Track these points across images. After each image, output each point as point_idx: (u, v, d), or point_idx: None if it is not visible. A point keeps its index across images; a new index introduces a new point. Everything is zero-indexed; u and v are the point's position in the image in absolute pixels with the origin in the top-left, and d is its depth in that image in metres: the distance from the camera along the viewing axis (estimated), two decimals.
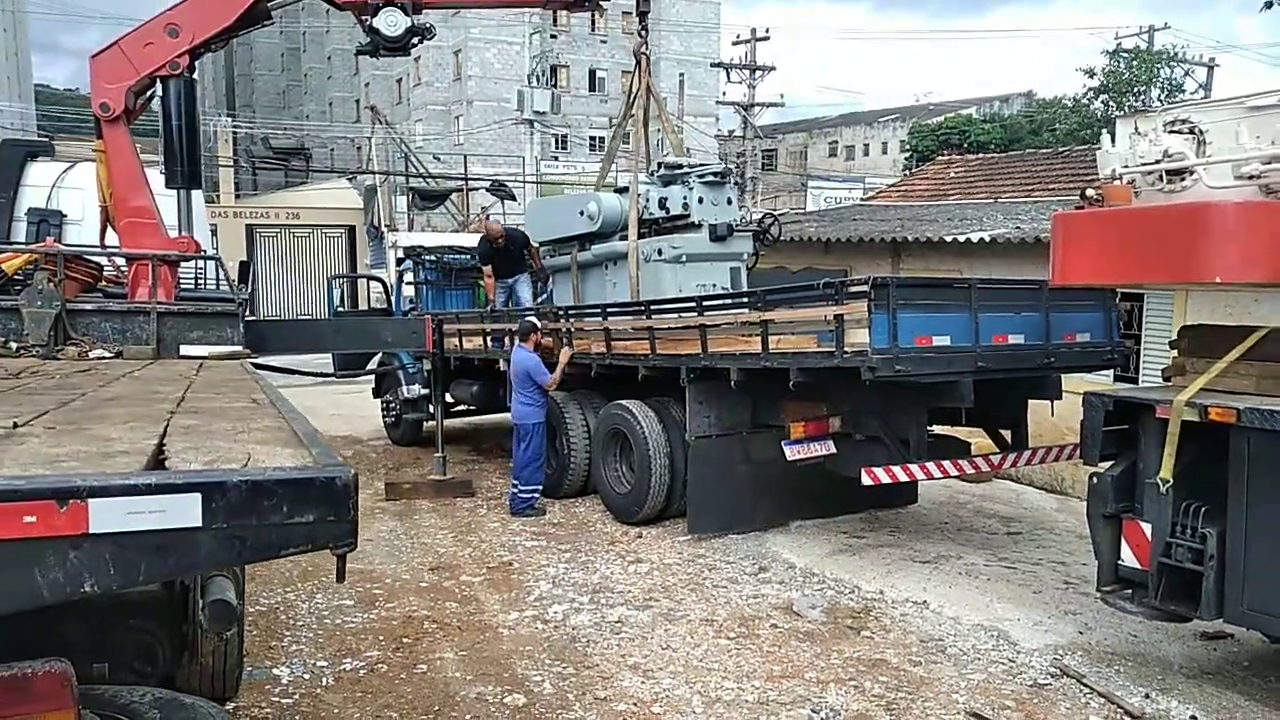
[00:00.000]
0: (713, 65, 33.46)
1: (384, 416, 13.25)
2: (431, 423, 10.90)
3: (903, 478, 7.26)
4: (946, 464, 7.47)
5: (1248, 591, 4.84)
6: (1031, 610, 6.46)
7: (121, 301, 7.77)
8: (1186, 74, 26.70)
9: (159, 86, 8.36)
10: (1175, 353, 5.84)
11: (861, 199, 24.87)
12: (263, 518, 1.95)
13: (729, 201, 10.16)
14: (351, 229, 27.97)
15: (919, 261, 12.99)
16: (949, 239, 11.83)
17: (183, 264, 9.02)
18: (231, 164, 32.21)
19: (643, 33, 9.95)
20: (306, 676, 5.28)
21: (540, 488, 9.26)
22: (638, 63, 10.29)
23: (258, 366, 12.87)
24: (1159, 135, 5.65)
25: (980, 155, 22.95)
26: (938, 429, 8.48)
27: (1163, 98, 26.15)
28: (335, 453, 2.28)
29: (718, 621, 6.27)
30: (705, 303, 7.95)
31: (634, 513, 8.67)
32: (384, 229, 19.31)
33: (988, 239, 11.34)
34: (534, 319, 9.36)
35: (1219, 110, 5.68)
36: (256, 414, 3.21)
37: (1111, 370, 9.06)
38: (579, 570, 7.38)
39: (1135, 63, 28.49)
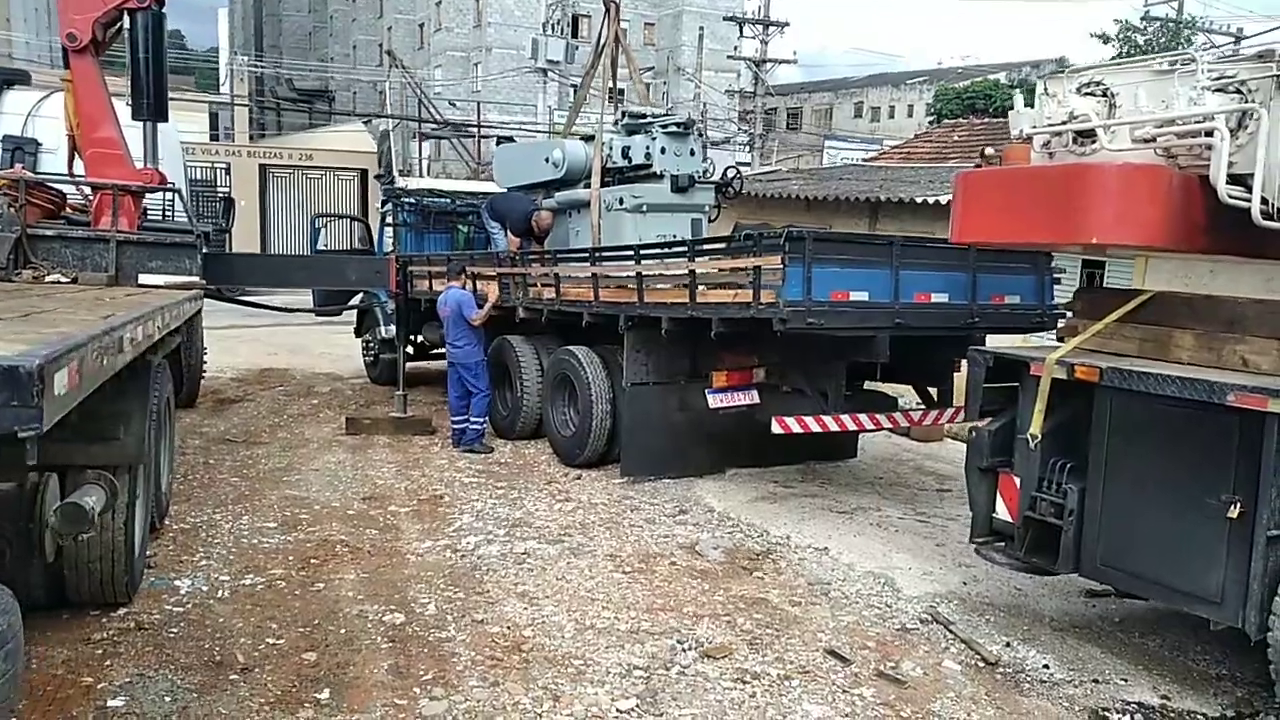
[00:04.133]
0: (724, 19, 33.05)
1: (364, 355, 13.54)
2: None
3: (815, 428, 7.38)
4: (862, 417, 7.60)
5: (1101, 546, 4.98)
6: (927, 561, 6.62)
7: (82, 229, 8.00)
8: (1208, 44, 26.00)
9: (127, 19, 8.52)
10: (1070, 314, 5.92)
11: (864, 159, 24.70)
12: None
13: (692, 153, 10.21)
14: (364, 172, 28.08)
15: (895, 222, 13.00)
16: (919, 200, 11.85)
17: (153, 196, 9.25)
18: (246, 104, 32.38)
19: None
20: (205, 589, 5.55)
21: (485, 419, 9.51)
22: (607, 10, 10.33)
23: (236, 301, 13.01)
24: (1067, 97, 5.68)
25: (988, 120, 22.69)
26: (877, 385, 8.59)
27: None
28: (53, 350, 2.47)
29: (621, 557, 6.48)
30: (642, 252, 8.07)
31: (576, 455, 8.87)
32: (396, 173, 19.47)
33: None
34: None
35: (1130, 73, 5.67)
36: (65, 326, 3.41)
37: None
38: (506, 506, 7.61)
39: (1152, 30, 27.82)
